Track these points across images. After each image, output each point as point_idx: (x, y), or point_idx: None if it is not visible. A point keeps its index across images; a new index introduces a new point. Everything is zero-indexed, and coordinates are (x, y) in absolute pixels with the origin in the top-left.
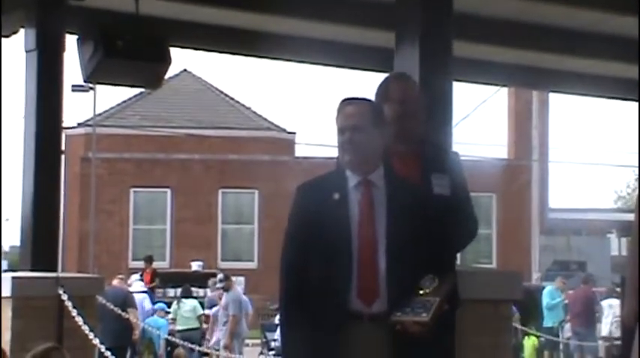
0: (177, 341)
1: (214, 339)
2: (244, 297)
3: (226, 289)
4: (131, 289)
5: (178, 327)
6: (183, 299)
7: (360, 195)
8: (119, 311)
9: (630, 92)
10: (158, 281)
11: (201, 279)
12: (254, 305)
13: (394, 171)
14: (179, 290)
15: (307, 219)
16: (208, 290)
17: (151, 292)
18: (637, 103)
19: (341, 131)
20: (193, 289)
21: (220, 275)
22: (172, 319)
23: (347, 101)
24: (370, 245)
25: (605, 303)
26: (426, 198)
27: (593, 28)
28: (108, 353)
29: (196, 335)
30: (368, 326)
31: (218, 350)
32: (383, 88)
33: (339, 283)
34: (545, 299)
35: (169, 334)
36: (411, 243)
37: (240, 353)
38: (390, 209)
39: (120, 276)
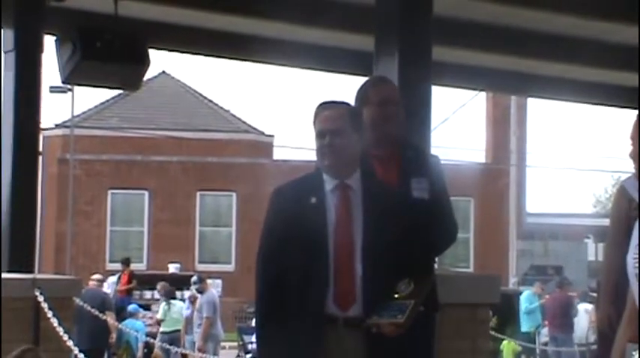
0: (156, 342)
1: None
2: (216, 299)
3: (200, 291)
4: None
5: (166, 328)
6: (172, 301)
7: (337, 199)
8: (96, 312)
9: (609, 97)
10: (135, 283)
11: (178, 281)
12: (231, 307)
13: (373, 174)
14: (156, 292)
15: (283, 223)
16: (156, 292)
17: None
18: (619, 108)
19: (320, 135)
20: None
21: (195, 278)
22: (161, 320)
23: (325, 105)
24: (347, 249)
25: (580, 308)
26: (404, 201)
27: (572, 33)
28: (82, 356)
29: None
30: (343, 330)
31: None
32: (362, 92)
33: (316, 288)
34: (524, 304)
35: (152, 336)
36: (388, 247)
37: (216, 355)
38: (366, 213)
39: (96, 277)
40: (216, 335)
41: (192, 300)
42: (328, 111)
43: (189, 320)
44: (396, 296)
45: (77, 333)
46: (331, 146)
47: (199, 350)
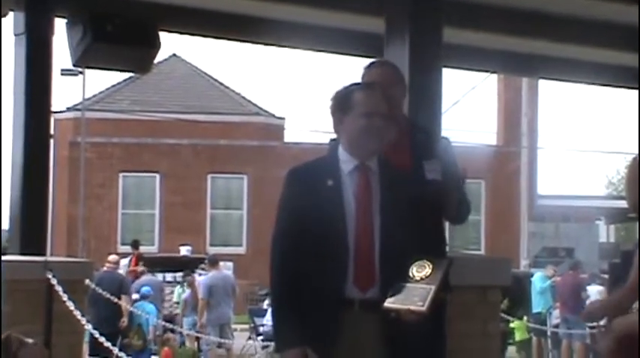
0: (167, 324)
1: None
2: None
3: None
4: None
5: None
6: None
7: (357, 179)
8: (108, 296)
9: (620, 79)
10: (142, 265)
11: (189, 264)
12: (242, 290)
13: (387, 157)
14: (167, 274)
15: (300, 205)
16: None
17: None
18: (633, 90)
19: (368, 115)
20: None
21: (208, 258)
22: (176, 303)
23: (366, 85)
24: (367, 231)
25: (592, 289)
26: (419, 183)
27: (583, 14)
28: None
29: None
30: (360, 313)
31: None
32: (362, 77)
33: (336, 270)
34: (538, 284)
35: (167, 319)
36: (406, 230)
37: (223, 337)
38: (383, 195)
39: (112, 259)
40: (218, 319)
41: (190, 283)
42: (375, 93)
43: (187, 303)
44: (417, 278)
45: (92, 316)
46: (382, 129)
47: (199, 332)
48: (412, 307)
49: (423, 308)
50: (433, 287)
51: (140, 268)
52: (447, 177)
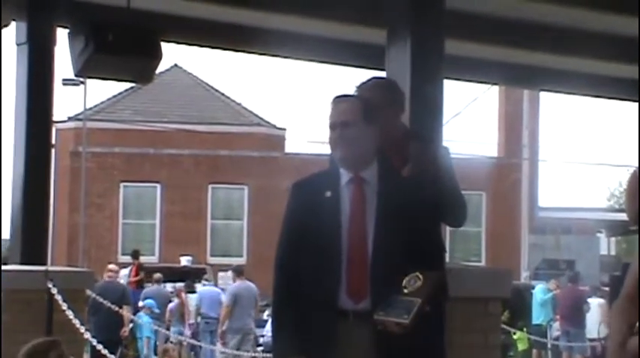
0: (167, 333)
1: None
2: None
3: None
4: None
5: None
6: (189, 295)
7: (351, 192)
8: (109, 305)
9: (621, 91)
10: (143, 275)
11: (190, 274)
12: None
13: (391, 168)
14: (168, 285)
15: (301, 218)
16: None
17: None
18: (633, 102)
19: (332, 127)
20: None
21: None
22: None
23: (338, 98)
24: (360, 242)
25: (593, 302)
26: (416, 195)
27: (585, 27)
28: (100, 346)
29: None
30: (353, 323)
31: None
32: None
33: (329, 281)
34: (539, 296)
35: (167, 329)
36: (399, 241)
37: (239, 347)
38: (379, 206)
39: (112, 268)
40: (239, 328)
41: (177, 294)
42: (341, 104)
43: (172, 313)
44: (405, 291)
45: (93, 325)
46: (342, 138)
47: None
48: (397, 320)
49: (406, 321)
50: (419, 300)
51: (157, 275)
52: (445, 181)
